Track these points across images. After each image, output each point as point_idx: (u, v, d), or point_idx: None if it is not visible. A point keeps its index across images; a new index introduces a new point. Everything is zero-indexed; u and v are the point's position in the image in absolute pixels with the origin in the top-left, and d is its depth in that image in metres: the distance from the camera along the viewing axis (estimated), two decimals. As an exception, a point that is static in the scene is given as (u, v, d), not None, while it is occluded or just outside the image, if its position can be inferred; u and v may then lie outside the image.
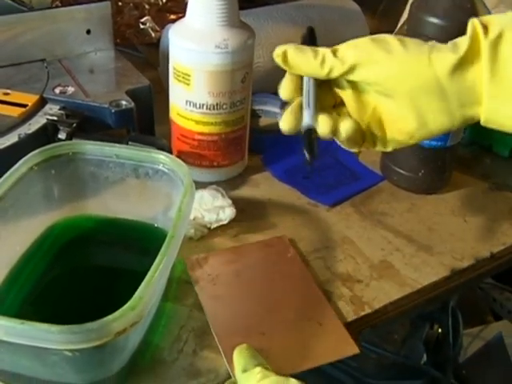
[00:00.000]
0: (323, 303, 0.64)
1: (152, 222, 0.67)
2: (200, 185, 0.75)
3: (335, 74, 0.54)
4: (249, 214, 0.75)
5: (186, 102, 0.73)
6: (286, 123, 0.58)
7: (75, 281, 0.64)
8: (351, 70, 0.54)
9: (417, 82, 0.53)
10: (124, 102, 0.75)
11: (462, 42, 0.52)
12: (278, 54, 0.55)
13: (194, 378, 0.56)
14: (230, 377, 0.56)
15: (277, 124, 0.91)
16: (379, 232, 0.74)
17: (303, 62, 0.55)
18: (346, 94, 0.58)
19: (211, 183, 0.76)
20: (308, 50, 0.55)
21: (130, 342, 0.52)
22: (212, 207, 0.70)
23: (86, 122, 0.75)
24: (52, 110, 0.74)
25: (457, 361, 1.28)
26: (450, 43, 0.53)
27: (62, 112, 0.74)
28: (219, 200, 0.71)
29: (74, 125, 0.73)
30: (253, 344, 0.57)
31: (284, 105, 0.91)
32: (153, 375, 0.56)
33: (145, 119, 0.79)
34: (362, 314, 0.64)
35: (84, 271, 0.66)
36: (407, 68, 0.53)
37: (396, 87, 0.54)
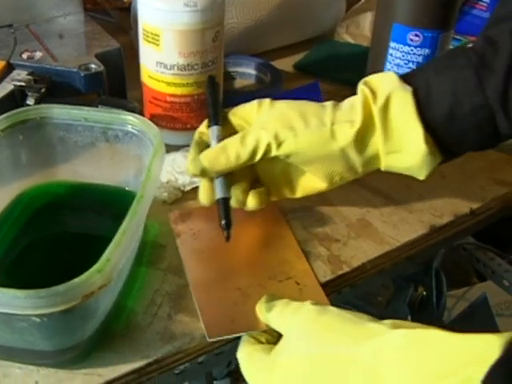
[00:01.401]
0: (303, 262, 0.63)
1: (123, 185, 0.65)
2: (174, 148, 0.74)
3: (247, 162, 0.60)
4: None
5: (157, 63, 0.71)
6: (204, 198, 0.63)
7: (47, 247, 0.63)
8: (263, 154, 0.59)
9: (323, 153, 0.60)
10: (93, 66, 0.73)
11: (357, 114, 0.59)
12: (194, 171, 0.61)
13: (169, 341, 0.55)
14: (205, 340, 0.55)
15: (251, 85, 0.91)
16: (357, 191, 0.73)
17: (223, 167, 0.60)
18: (258, 167, 0.64)
19: (186, 146, 0.75)
20: (222, 155, 0.60)
21: (101, 305, 0.51)
22: (185, 169, 0.68)
23: (56, 88, 0.73)
24: (19, 76, 0.72)
25: (441, 322, 1.28)
26: (346, 108, 0.60)
27: (29, 77, 0.72)
28: (193, 162, 0.70)
29: (43, 90, 0.71)
30: (228, 299, 0.57)
31: (260, 66, 0.90)
32: (127, 340, 0.55)
33: (116, 83, 0.77)
34: (340, 272, 0.63)
35: (56, 238, 0.64)
36: (313, 142, 0.59)
37: (305, 160, 0.61)
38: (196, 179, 0.68)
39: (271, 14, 0.91)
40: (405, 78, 0.60)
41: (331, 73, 0.93)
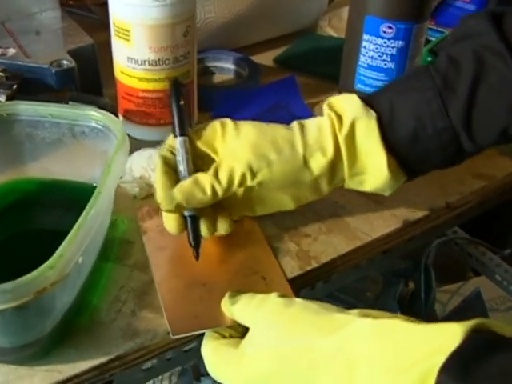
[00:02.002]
0: (270, 258, 0.62)
1: (92, 181, 0.65)
2: (149, 143, 0.74)
3: (223, 196, 0.59)
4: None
5: (128, 58, 0.71)
6: (172, 227, 0.61)
7: (16, 245, 0.63)
8: (238, 185, 0.58)
9: (295, 179, 0.60)
10: (65, 62, 0.73)
11: (328, 141, 0.59)
12: (168, 207, 0.58)
13: (131, 338, 0.55)
14: (168, 336, 0.55)
15: (230, 80, 0.90)
16: (331, 186, 0.72)
17: (196, 204, 0.59)
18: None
19: (160, 142, 0.74)
20: (197, 190, 0.58)
21: (58, 302, 0.51)
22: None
23: (29, 84, 0.73)
24: (-9, 73, 0.72)
25: (435, 317, 1.27)
26: (314, 132, 0.60)
27: (1, 74, 0.72)
28: (165, 158, 0.69)
29: (14, 87, 0.71)
30: (193, 294, 0.57)
31: (238, 61, 0.90)
32: (89, 336, 0.55)
33: (90, 80, 0.77)
34: (308, 268, 0.63)
35: (25, 235, 0.64)
36: (286, 171, 0.59)
37: (275, 186, 0.60)
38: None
39: (250, 8, 0.91)
40: (368, 101, 0.60)
41: (311, 66, 0.93)
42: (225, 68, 0.89)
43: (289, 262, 0.63)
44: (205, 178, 0.58)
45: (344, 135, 0.59)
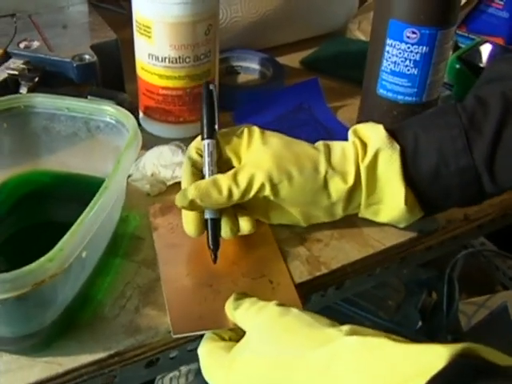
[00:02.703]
0: (279, 261, 0.62)
1: (104, 176, 0.64)
2: (167, 141, 0.74)
3: (238, 200, 0.58)
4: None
5: (149, 55, 0.71)
6: (191, 230, 0.60)
7: (29, 237, 0.63)
8: (255, 193, 0.58)
9: (312, 199, 0.60)
10: (87, 57, 0.74)
11: (350, 168, 0.59)
12: (182, 203, 0.58)
13: (133, 335, 0.55)
14: (169, 335, 0.54)
15: (255, 80, 0.90)
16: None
17: (211, 203, 0.58)
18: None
19: (178, 140, 0.74)
20: (213, 190, 0.58)
21: (59, 294, 0.51)
22: (170, 163, 0.68)
23: (51, 78, 0.74)
24: (14, 65, 0.73)
25: (459, 329, 1.25)
26: (338, 156, 0.60)
27: (23, 66, 0.72)
28: (179, 156, 0.69)
29: (36, 79, 0.72)
30: (198, 295, 0.57)
31: (263, 61, 0.89)
32: (91, 331, 0.55)
33: (112, 75, 0.77)
34: (317, 274, 0.62)
35: (38, 227, 0.65)
36: (305, 189, 0.59)
37: (292, 202, 0.61)
38: (178, 174, 0.68)
39: (278, 9, 0.90)
40: (393, 133, 0.60)
41: (338, 70, 0.92)
42: (250, 68, 0.89)
43: (298, 267, 0.62)
44: (223, 179, 0.58)
45: (366, 164, 0.59)
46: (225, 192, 0.58)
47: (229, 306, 0.54)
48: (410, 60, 0.70)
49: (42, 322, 0.51)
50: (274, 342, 0.47)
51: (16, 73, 0.71)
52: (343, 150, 0.60)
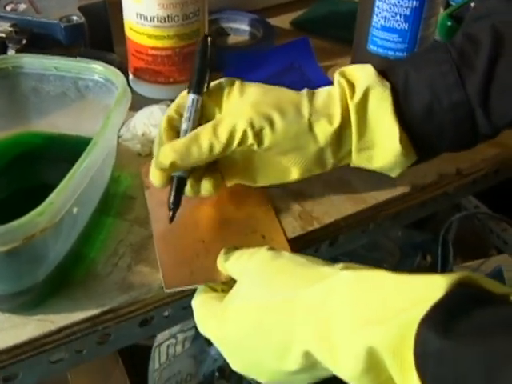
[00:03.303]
0: (271, 217, 0.62)
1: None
2: (156, 102, 0.73)
3: (221, 153, 0.55)
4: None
5: (137, 14, 0.71)
6: (156, 179, 0.58)
7: (21, 199, 0.63)
8: (238, 143, 0.55)
9: (298, 145, 0.57)
10: (75, 18, 0.73)
11: (335, 108, 0.56)
12: (162, 166, 0.55)
13: (126, 291, 0.55)
14: (162, 291, 0.54)
15: (245, 42, 0.89)
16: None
17: (195, 160, 0.55)
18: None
19: (168, 100, 0.74)
20: (193, 147, 0.55)
21: (50, 250, 0.51)
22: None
23: (39, 40, 0.73)
24: (1, 28, 0.72)
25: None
26: (323, 99, 0.57)
27: (10, 29, 0.72)
28: (169, 115, 0.69)
29: (24, 42, 0.71)
30: (190, 251, 0.57)
31: (253, 22, 0.88)
32: (84, 288, 0.55)
33: (100, 37, 0.76)
34: (310, 229, 0.62)
35: (30, 189, 0.64)
36: (289, 134, 0.56)
37: (277, 151, 0.57)
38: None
39: (268, -31, 0.89)
40: (383, 72, 0.58)
41: (328, 30, 0.91)
42: (240, 29, 0.88)
43: (291, 223, 0.62)
44: (203, 133, 0.55)
45: (356, 103, 0.56)
46: (205, 147, 0.55)
47: (220, 258, 0.54)
48: (401, 15, 0.70)
49: (33, 278, 0.51)
50: (267, 284, 0.47)
51: (3, 35, 0.71)
52: (328, 92, 0.58)
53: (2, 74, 0.62)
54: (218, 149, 0.55)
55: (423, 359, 0.36)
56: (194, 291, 0.55)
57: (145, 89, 0.76)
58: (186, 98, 0.58)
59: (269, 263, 0.48)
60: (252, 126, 0.55)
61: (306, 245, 0.62)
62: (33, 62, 0.62)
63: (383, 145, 0.57)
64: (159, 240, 0.58)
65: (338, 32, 0.90)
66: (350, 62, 0.79)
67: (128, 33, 0.73)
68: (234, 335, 0.48)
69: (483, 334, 0.35)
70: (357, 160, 0.59)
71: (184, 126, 0.57)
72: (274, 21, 0.92)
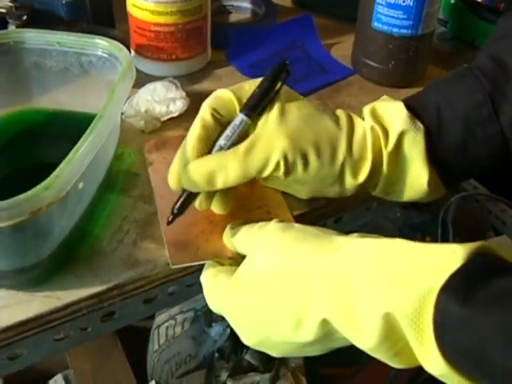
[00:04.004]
0: (276, 194, 0.61)
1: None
2: (159, 79, 0.73)
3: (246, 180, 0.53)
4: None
5: (140, -10, 0.70)
6: (174, 182, 0.54)
7: (24, 176, 0.63)
8: (269, 174, 0.53)
9: (323, 183, 0.55)
10: (76, -6, 0.72)
11: (367, 162, 0.54)
12: (186, 186, 0.53)
13: (131, 267, 0.54)
14: (168, 267, 0.54)
15: (247, 19, 0.88)
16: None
17: (219, 187, 0.53)
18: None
19: (170, 77, 0.73)
20: (220, 175, 0.52)
21: (56, 225, 0.50)
22: (164, 99, 0.67)
23: (40, 16, 0.72)
24: (1, 3, 0.71)
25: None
26: (359, 142, 0.54)
27: (11, 4, 0.71)
28: (172, 92, 0.68)
29: (24, 17, 0.70)
30: (196, 227, 0.56)
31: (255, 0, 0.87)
32: (90, 265, 0.55)
33: (102, 13, 0.76)
34: (316, 206, 0.61)
35: (32, 166, 0.64)
36: (320, 175, 0.54)
37: (304, 183, 0.56)
38: (172, 109, 0.67)
39: None
40: (413, 109, 0.56)
41: (330, 8, 0.91)
42: (241, 7, 0.88)
43: (296, 199, 0.61)
44: (232, 163, 0.52)
45: (389, 152, 0.54)
46: (232, 177, 0.52)
47: (226, 234, 0.54)
48: (405, -6, 0.69)
49: (39, 254, 0.51)
50: (280, 254, 0.46)
51: (3, 11, 0.70)
52: (364, 136, 0.55)
53: (4, 50, 0.61)
54: (245, 178, 0.53)
55: (442, 327, 0.36)
56: (199, 268, 0.54)
57: (147, 66, 0.75)
58: (236, 117, 0.54)
59: (281, 234, 0.48)
60: (286, 159, 0.52)
61: (310, 222, 0.61)
62: (35, 37, 0.62)
63: (411, 185, 0.56)
64: (164, 216, 0.58)
65: (341, 9, 0.89)
66: (354, 41, 0.78)
67: (130, 9, 0.73)
68: (247, 307, 0.47)
69: (501, 303, 0.35)
70: (380, 194, 0.58)
71: (222, 141, 0.53)
72: (276, -1, 0.91)
